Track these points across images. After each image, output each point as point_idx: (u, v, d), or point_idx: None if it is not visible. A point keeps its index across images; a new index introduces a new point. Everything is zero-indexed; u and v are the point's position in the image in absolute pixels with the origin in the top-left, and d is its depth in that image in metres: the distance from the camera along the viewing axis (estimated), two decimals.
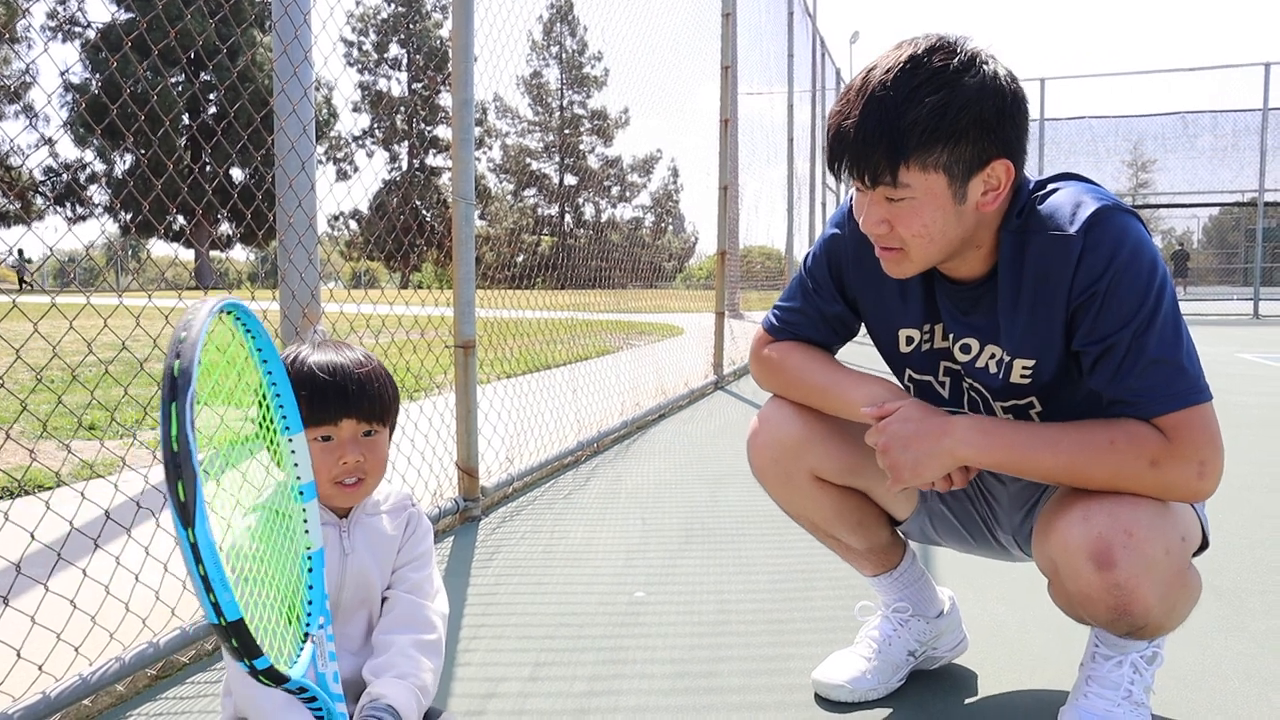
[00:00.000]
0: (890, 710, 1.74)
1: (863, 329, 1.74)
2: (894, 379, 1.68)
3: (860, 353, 2.20)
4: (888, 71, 1.33)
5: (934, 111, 1.30)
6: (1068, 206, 1.40)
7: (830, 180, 14.96)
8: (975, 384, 1.57)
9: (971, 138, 1.32)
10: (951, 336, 1.56)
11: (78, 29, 38.60)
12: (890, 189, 1.35)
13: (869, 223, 1.41)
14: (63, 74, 1.85)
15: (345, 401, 1.28)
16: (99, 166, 37.96)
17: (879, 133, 1.32)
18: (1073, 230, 1.38)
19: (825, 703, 1.77)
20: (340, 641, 1.30)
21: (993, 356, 1.52)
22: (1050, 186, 1.46)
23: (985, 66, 1.33)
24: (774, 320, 1.76)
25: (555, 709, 1.75)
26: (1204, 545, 1.52)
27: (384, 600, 1.36)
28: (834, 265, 1.67)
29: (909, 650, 1.82)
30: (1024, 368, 1.48)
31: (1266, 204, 19.29)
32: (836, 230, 1.66)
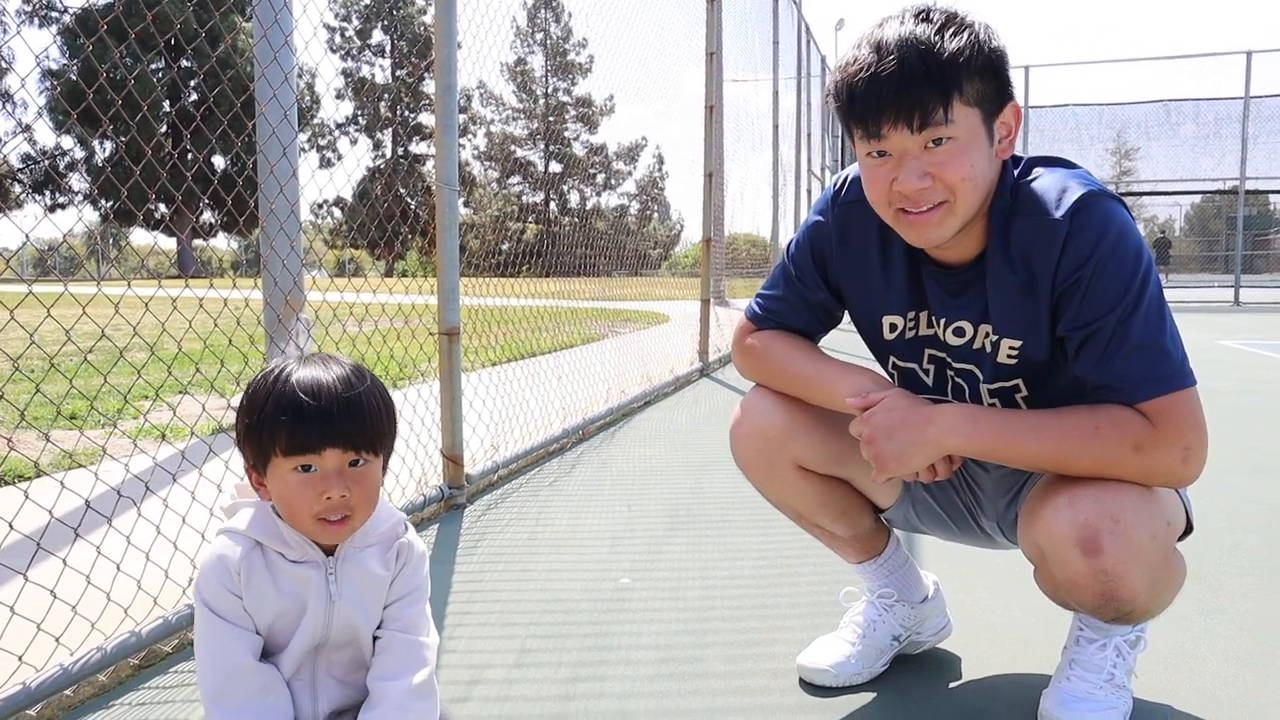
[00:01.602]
0: (874, 694, 1.75)
1: (846, 317, 1.74)
2: (878, 368, 1.68)
3: (847, 341, 2.21)
4: (902, 24, 1.34)
5: (968, 44, 1.32)
6: (1054, 191, 1.41)
7: (815, 168, 14.95)
8: (964, 366, 1.57)
9: (992, 75, 1.35)
10: (943, 322, 1.55)
11: (54, 13, 38.08)
12: (941, 128, 1.32)
13: (909, 178, 1.35)
14: (38, 57, 1.82)
15: (329, 428, 1.15)
16: (78, 153, 37.55)
17: (928, 66, 1.30)
18: (1058, 215, 1.38)
19: (809, 687, 1.77)
20: (327, 669, 1.25)
21: (986, 336, 1.52)
22: (1036, 170, 1.46)
23: (974, 19, 1.36)
24: (757, 309, 1.76)
25: (540, 695, 1.75)
26: (1188, 530, 1.53)
27: (376, 639, 1.27)
28: (817, 252, 1.66)
29: (893, 635, 1.83)
30: (1011, 348, 1.49)
31: (1247, 192, 19.41)
32: (820, 217, 1.65)
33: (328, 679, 1.24)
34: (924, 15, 1.34)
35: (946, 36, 1.31)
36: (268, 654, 1.22)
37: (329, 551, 1.23)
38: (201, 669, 1.18)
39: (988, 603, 2.19)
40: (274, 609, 1.20)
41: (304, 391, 1.15)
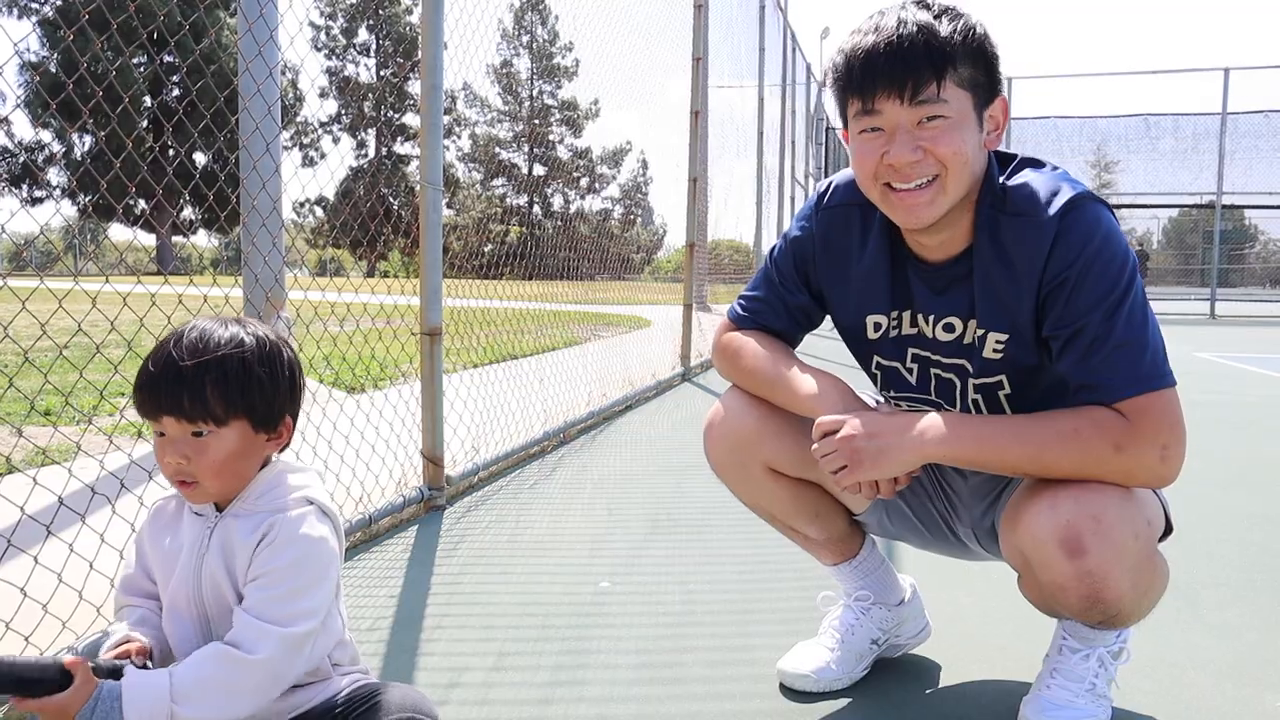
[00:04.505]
0: (854, 700, 1.74)
1: (827, 321, 1.75)
2: (859, 372, 1.68)
3: (835, 348, 2.21)
4: (903, 9, 1.39)
5: (964, 29, 1.37)
6: (1045, 191, 1.43)
7: (799, 174, 15.01)
8: (954, 361, 1.57)
9: (985, 64, 1.40)
10: (931, 319, 1.56)
11: (34, 4, 37.68)
12: (932, 105, 1.36)
13: (902, 151, 1.38)
14: (15, 44, 1.79)
15: (158, 399, 1.14)
16: (56, 147, 37.13)
17: (924, 43, 1.35)
18: (1048, 215, 1.40)
19: (790, 693, 1.77)
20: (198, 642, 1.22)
21: (974, 331, 1.53)
22: (1026, 171, 1.48)
23: (970, 14, 1.41)
24: (738, 309, 1.78)
25: (519, 698, 1.74)
26: (1168, 531, 1.55)
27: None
28: (799, 258, 1.68)
29: (872, 639, 1.83)
30: (997, 342, 1.49)
31: (1224, 206, 19.67)
32: (804, 223, 1.68)
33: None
34: (923, 3, 1.40)
35: (944, 21, 1.37)
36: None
37: (221, 509, 1.23)
38: None
39: (966, 608, 2.20)
40: (164, 555, 1.25)
41: (151, 360, 1.16)
